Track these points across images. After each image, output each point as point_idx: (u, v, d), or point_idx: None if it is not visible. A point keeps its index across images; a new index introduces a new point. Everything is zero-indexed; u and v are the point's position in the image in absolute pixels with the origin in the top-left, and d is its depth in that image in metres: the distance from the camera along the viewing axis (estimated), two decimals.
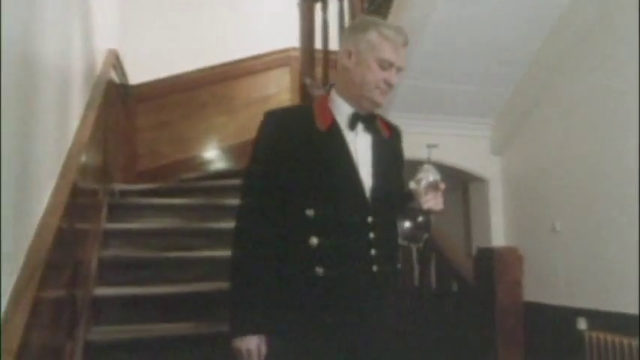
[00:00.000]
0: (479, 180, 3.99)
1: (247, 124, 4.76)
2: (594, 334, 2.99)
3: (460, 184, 4.24)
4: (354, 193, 1.51)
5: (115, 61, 3.66)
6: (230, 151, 4.71)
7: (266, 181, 1.51)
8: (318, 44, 4.16)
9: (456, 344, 2.18)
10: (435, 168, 1.55)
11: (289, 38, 4.64)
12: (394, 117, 3.60)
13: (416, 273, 2.53)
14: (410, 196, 1.55)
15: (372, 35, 1.51)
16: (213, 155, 4.70)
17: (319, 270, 1.44)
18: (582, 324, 3.11)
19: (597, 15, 3.10)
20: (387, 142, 1.64)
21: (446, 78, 3.47)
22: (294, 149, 1.50)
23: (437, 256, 2.39)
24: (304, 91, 3.88)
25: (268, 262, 1.47)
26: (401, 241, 1.62)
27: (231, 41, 4.78)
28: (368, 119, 1.58)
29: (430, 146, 1.58)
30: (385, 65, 1.52)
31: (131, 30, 4.31)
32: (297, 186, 1.49)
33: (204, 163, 4.64)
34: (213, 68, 4.72)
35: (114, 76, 3.64)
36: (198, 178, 4.26)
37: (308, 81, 3.88)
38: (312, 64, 4.08)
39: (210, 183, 4.03)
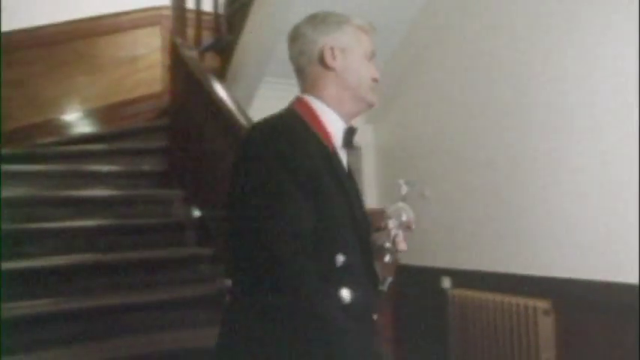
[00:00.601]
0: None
1: (114, 86, 4.45)
2: (457, 292, 3.20)
3: None
4: (363, 229, 1.29)
5: None
6: (94, 114, 4.36)
7: (303, 216, 1.13)
8: (190, 4, 3.97)
9: None
10: (408, 206, 1.47)
11: None
12: (270, 83, 3.56)
13: None
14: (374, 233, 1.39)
15: (350, 29, 1.34)
16: (74, 118, 4.33)
17: None
18: (446, 283, 3.31)
19: None
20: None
21: None
22: (318, 179, 1.17)
23: None
24: (175, 52, 3.67)
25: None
26: None
27: None
28: (353, 134, 1.35)
29: (408, 183, 1.50)
30: (370, 57, 1.36)
31: None
32: (326, 227, 1.16)
33: (64, 126, 4.26)
34: (74, 23, 4.31)
35: None
36: (58, 142, 3.91)
37: (179, 41, 3.68)
38: (184, 24, 3.87)
39: (71, 148, 3.71)
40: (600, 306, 2.55)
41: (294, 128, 1.23)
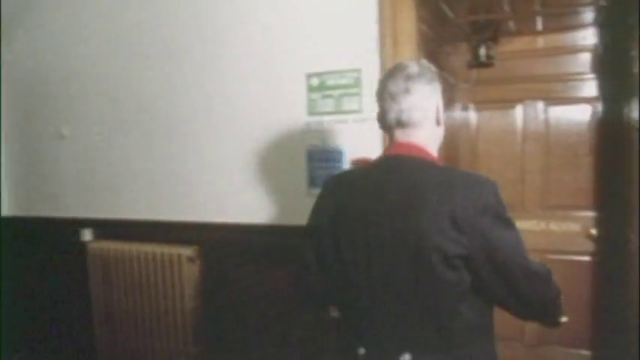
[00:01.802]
0: None
1: None
2: (98, 244, 2.97)
3: None
4: None
5: None
6: None
7: None
8: None
9: None
10: None
11: None
12: None
13: None
14: None
15: (438, 84, 1.45)
16: None
17: None
18: (87, 235, 3.05)
19: None
20: None
21: None
22: None
23: None
24: None
25: None
26: None
27: None
28: None
29: None
30: None
31: None
32: None
33: None
34: None
35: None
36: None
37: None
38: None
39: None
40: (240, 247, 2.69)
41: None
